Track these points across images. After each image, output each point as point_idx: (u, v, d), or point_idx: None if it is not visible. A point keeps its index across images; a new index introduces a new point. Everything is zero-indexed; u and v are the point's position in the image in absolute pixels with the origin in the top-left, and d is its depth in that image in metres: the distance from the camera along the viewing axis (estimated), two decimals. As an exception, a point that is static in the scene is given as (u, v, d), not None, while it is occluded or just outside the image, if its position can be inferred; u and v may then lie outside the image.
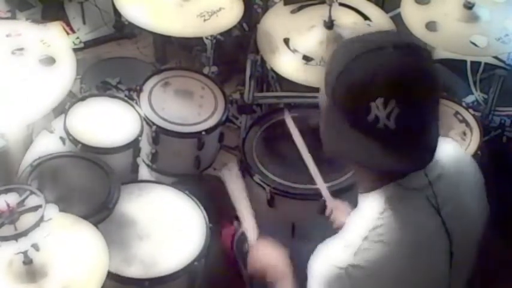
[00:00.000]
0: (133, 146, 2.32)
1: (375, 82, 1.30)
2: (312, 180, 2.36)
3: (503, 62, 2.95)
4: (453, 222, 1.45)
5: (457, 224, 1.46)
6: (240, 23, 3.20)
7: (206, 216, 2.19)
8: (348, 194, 2.31)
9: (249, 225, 1.96)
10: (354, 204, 1.55)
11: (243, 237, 2.10)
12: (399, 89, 1.30)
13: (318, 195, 2.30)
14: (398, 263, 1.38)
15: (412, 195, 1.41)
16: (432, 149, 1.37)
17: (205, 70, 2.78)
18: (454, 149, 1.56)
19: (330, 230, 2.30)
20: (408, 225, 1.39)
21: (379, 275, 1.37)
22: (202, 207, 2.22)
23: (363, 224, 1.40)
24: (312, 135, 2.54)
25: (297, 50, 2.42)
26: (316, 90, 2.55)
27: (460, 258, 1.49)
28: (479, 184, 1.56)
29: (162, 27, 2.51)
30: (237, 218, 2.56)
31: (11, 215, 1.71)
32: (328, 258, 1.40)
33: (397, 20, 2.60)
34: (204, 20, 2.50)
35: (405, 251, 1.38)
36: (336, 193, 2.31)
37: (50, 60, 2.19)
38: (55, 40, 2.29)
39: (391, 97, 1.29)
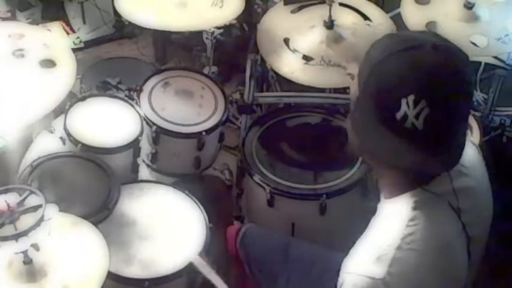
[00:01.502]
0: (134, 146, 2.32)
1: (410, 78, 1.30)
2: (311, 180, 2.36)
3: (503, 62, 2.94)
4: (472, 227, 1.47)
5: (475, 228, 1.48)
6: (240, 23, 3.21)
7: (206, 216, 2.19)
8: (346, 195, 2.31)
9: None
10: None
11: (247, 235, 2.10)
12: (432, 89, 1.30)
13: (318, 195, 2.30)
14: (430, 268, 1.39)
15: (436, 200, 1.42)
16: (459, 151, 1.38)
17: (205, 70, 2.77)
18: (475, 154, 1.57)
19: (330, 230, 2.31)
20: (436, 230, 1.41)
21: (415, 281, 1.38)
22: (202, 207, 2.22)
23: (392, 233, 1.40)
24: (312, 136, 2.55)
25: (297, 50, 2.42)
26: (316, 90, 2.57)
27: (474, 261, 1.51)
28: (489, 188, 1.58)
29: (165, 25, 2.52)
30: (237, 218, 2.58)
31: (11, 215, 1.71)
32: (362, 271, 1.38)
33: (397, 20, 2.59)
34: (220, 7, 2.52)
35: (436, 256, 1.39)
36: (335, 193, 2.31)
37: (50, 63, 2.19)
38: (56, 42, 2.29)
39: (422, 96, 1.29)
